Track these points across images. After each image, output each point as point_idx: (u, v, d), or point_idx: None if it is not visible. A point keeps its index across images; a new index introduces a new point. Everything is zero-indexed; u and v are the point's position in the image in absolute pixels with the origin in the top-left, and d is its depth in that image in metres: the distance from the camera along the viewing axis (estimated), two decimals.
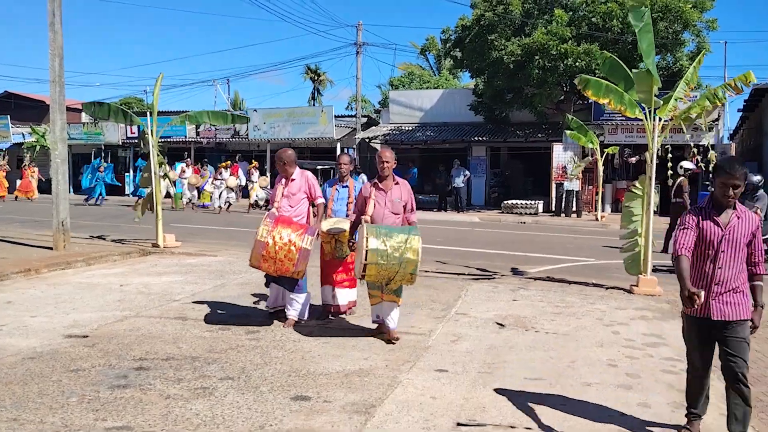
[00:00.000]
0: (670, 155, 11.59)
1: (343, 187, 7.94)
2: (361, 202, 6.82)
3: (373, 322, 6.89)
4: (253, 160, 27.54)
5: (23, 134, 35.11)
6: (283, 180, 7.32)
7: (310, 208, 7.54)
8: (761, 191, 10.46)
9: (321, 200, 7.50)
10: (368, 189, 6.78)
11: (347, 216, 7.63)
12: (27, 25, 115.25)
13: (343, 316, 7.70)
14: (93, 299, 8.45)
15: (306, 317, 7.29)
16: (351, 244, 6.88)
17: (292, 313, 7.21)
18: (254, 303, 8.43)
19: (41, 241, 13.32)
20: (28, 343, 6.36)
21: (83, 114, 38.48)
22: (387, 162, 6.76)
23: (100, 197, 28.79)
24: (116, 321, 7.31)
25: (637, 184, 10.07)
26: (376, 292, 6.62)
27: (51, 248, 12.34)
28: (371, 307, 6.85)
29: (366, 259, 5.99)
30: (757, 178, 10.57)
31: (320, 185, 7.73)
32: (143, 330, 6.92)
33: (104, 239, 14.70)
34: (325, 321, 7.51)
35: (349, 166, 7.99)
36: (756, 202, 10.02)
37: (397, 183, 6.86)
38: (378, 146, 30.62)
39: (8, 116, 36.63)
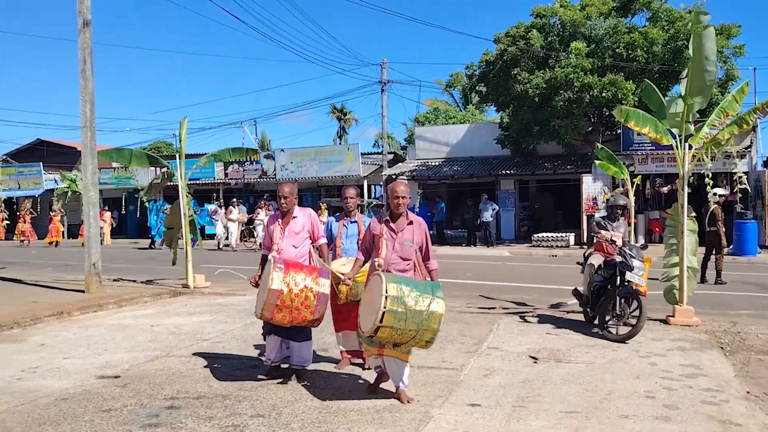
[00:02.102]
0: (709, 180, 11.41)
1: (352, 222, 7.15)
2: (370, 241, 5.96)
3: (375, 370, 6.13)
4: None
5: (55, 180, 35.83)
6: (280, 219, 6.57)
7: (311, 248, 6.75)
8: None
9: (323, 240, 6.83)
10: (378, 226, 5.88)
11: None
12: (58, 72, 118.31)
13: (361, 362, 7.00)
14: (124, 340, 8.50)
15: (310, 363, 6.68)
16: (349, 282, 6.14)
17: (300, 362, 6.51)
18: None
19: (74, 284, 13.50)
20: (61, 384, 6.40)
21: None
22: (402, 197, 5.82)
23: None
24: (147, 361, 7.33)
25: (670, 213, 9.96)
26: (373, 348, 5.79)
27: (83, 291, 12.48)
28: (368, 358, 6.12)
29: (381, 321, 5.21)
30: None
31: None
32: (174, 369, 6.93)
33: (135, 281, 14.83)
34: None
35: (356, 199, 7.13)
36: None
37: (410, 222, 5.91)
38: (405, 182, 30.67)
39: (41, 163, 37.44)
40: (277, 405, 5.66)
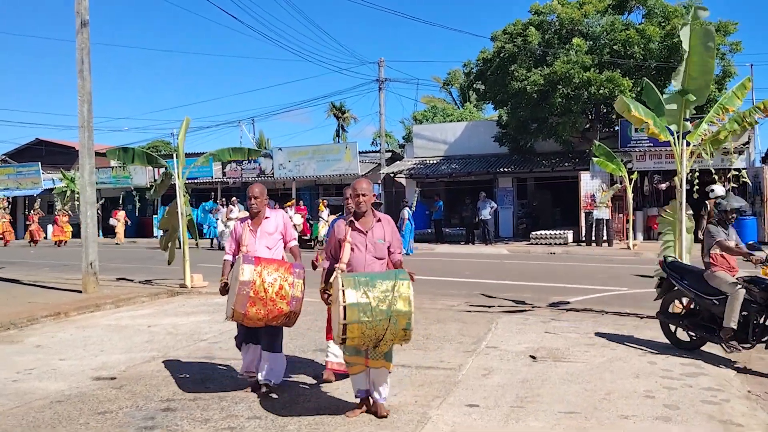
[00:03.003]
0: (697, 181, 11.43)
1: None
2: (334, 246, 5.50)
3: (356, 396, 5.46)
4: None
5: (53, 180, 35.76)
6: (250, 220, 6.21)
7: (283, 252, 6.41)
8: None
9: (295, 242, 6.46)
10: (343, 229, 5.44)
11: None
12: (57, 72, 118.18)
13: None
14: (121, 341, 8.45)
15: (280, 382, 6.18)
16: (326, 297, 5.48)
17: (271, 377, 6.05)
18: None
19: (71, 284, 13.44)
20: (57, 386, 6.36)
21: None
22: (363, 195, 5.33)
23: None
24: (144, 362, 7.29)
25: (668, 210, 9.91)
26: (358, 358, 5.28)
27: (80, 291, 12.43)
28: (351, 377, 5.47)
29: (345, 318, 4.80)
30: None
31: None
32: (171, 370, 6.89)
33: (132, 281, 14.77)
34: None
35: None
36: None
37: (379, 220, 5.51)
38: (403, 181, 30.64)
39: (39, 163, 37.36)
40: (275, 406, 5.62)
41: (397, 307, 4.90)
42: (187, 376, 6.66)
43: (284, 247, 6.41)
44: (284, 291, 5.63)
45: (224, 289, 6.03)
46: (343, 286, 4.89)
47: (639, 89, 22.90)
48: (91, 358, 7.53)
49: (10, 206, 34.83)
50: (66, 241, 31.23)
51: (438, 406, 5.61)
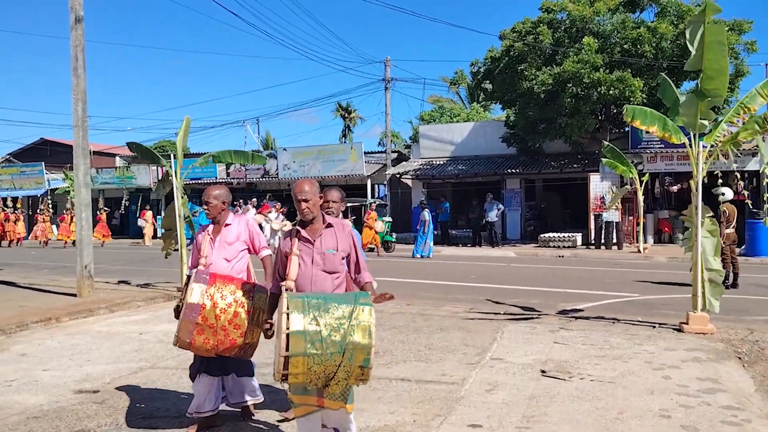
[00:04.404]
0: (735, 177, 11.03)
1: None
2: (281, 262, 4.53)
3: None
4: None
5: (48, 181, 35.60)
6: (211, 227, 5.42)
7: (250, 264, 5.59)
8: None
9: (267, 251, 5.58)
10: (288, 241, 4.49)
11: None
12: (61, 71, 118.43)
13: None
14: (110, 349, 8.10)
15: (262, 398, 5.53)
16: (269, 327, 4.51)
17: (244, 397, 5.38)
18: None
19: (67, 287, 13.10)
20: (36, 399, 6.02)
21: (117, 158, 39.00)
22: (305, 199, 4.39)
23: None
24: (131, 373, 6.93)
25: (686, 214, 9.52)
26: (306, 397, 4.17)
27: (76, 295, 12.09)
28: (297, 421, 4.42)
29: (288, 349, 3.81)
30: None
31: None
32: (158, 383, 6.53)
33: (130, 284, 14.43)
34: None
35: (339, 204, 5.36)
36: None
37: (329, 226, 4.51)
38: (410, 182, 30.26)
39: (42, 163, 37.19)
40: (264, 425, 5.24)
41: (353, 338, 3.91)
42: (174, 390, 6.29)
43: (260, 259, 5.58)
44: (239, 319, 4.77)
45: (177, 311, 5.01)
46: (288, 309, 3.90)
47: (649, 89, 22.53)
48: (75, 368, 7.18)
49: (14, 207, 34.53)
50: (74, 242, 30.91)
51: (438, 426, 5.22)
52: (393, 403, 5.76)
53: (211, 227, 5.42)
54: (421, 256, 21.52)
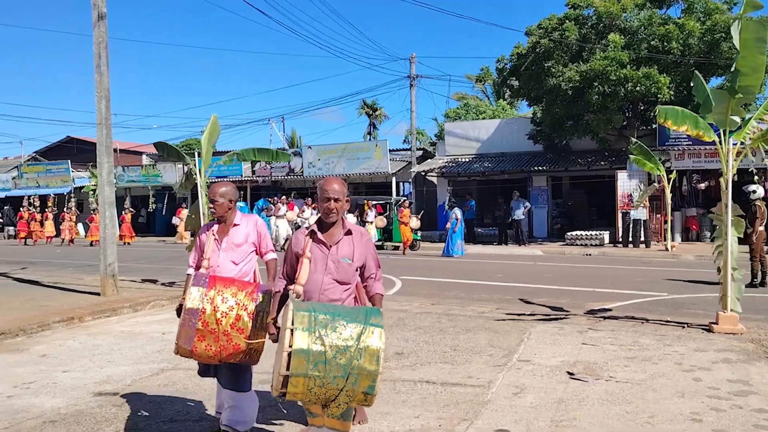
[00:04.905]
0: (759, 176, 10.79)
1: None
2: (290, 262, 4.28)
3: None
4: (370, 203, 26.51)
5: (86, 178, 35.87)
6: (215, 227, 5.07)
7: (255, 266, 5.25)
8: None
9: (273, 255, 5.20)
10: (302, 240, 4.21)
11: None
12: (86, 69, 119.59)
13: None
14: (132, 350, 8.06)
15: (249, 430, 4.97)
16: (274, 332, 4.32)
17: (229, 422, 4.85)
18: None
19: (91, 286, 13.14)
20: (54, 403, 5.95)
21: (143, 156, 39.26)
22: (335, 198, 4.13)
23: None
24: (152, 375, 6.87)
25: (715, 212, 9.30)
26: (316, 408, 3.97)
27: (99, 294, 12.10)
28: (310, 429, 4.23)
29: (288, 368, 3.56)
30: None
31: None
32: (179, 385, 6.46)
33: (155, 283, 14.45)
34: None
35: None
36: None
37: (348, 233, 4.24)
38: (435, 179, 30.10)
39: (69, 161, 37.50)
40: (286, 428, 5.15)
41: (359, 363, 3.61)
42: (196, 392, 6.22)
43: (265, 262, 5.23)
44: (242, 323, 4.44)
45: (180, 312, 4.67)
46: (293, 323, 3.61)
47: (677, 86, 22.17)
48: (96, 370, 7.13)
49: (40, 205, 34.86)
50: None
51: (464, 430, 5.10)
52: (418, 407, 5.65)
53: (215, 227, 5.06)
54: (454, 255, 21.26)
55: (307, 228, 4.27)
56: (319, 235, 4.16)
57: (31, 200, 34.35)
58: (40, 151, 44.47)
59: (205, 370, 4.96)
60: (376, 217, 24.67)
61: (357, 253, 4.19)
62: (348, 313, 3.78)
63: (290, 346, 3.55)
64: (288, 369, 3.54)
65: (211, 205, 5.00)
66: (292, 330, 3.58)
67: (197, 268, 4.98)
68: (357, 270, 4.23)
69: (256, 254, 5.18)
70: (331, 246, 4.15)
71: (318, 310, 3.73)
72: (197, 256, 5.08)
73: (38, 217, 32.74)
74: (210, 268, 4.88)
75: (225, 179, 31.54)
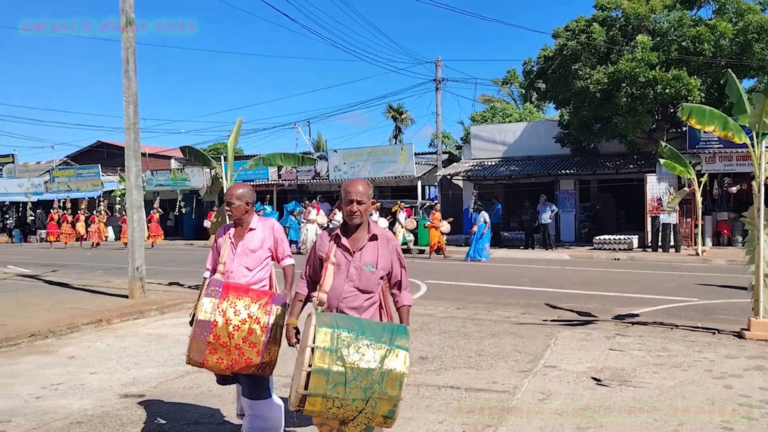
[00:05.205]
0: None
1: None
2: (312, 265, 4.14)
3: None
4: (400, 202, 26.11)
5: (116, 182, 36.31)
6: (232, 230, 4.89)
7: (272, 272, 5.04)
8: None
9: (290, 261, 4.99)
10: (326, 244, 4.06)
11: None
12: (116, 74, 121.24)
13: None
14: (158, 352, 8.11)
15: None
16: (297, 338, 4.12)
17: (260, 428, 4.60)
18: None
19: (119, 289, 13.27)
20: (81, 404, 6.01)
21: (172, 161, 39.64)
22: (359, 201, 3.95)
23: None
24: (177, 377, 6.90)
25: (746, 216, 9.13)
26: (332, 421, 3.71)
27: (127, 296, 12.21)
28: None
29: (307, 388, 3.42)
30: None
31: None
32: (204, 387, 6.48)
33: (182, 285, 14.55)
34: None
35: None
36: None
37: (374, 237, 4.04)
38: (460, 183, 29.98)
39: (99, 165, 38.00)
40: None
41: (381, 387, 3.46)
42: (221, 394, 6.22)
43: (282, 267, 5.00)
44: (254, 337, 4.25)
45: (192, 322, 4.46)
46: (314, 340, 3.45)
47: (707, 87, 21.84)
48: (123, 372, 7.19)
49: (70, 208, 35.28)
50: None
51: None
52: (442, 412, 5.60)
53: (232, 230, 4.88)
54: (482, 260, 21.05)
55: (331, 231, 4.11)
56: (344, 239, 4.00)
57: (62, 203, 34.80)
58: (71, 155, 45.05)
59: (223, 379, 4.75)
60: (406, 219, 24.50)
61: (381, 260, 4.00)
62: (373, 331, 3.61)
63: (310, 366, 3.41)
64: (306, 388, 3.41)
65: (228, 208, 4.82)
66: (313, 347, 3.44)
67: (213, 271, 4.86)
68: (381, 278, 4.04)
69: (273, 260, 5.00)
70: (354, 252, 3.97)
71: (341, 326, 3.56)
72: (214, 258, 4.92)
73: (69, 219, 33.11)
74: (224, 273, 4.75)
75: (251, 183, 31.72)
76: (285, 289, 4.79)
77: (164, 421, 5.49)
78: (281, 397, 4.80)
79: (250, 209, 4.86)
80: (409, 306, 4.13)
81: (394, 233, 23.69)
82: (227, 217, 4.90)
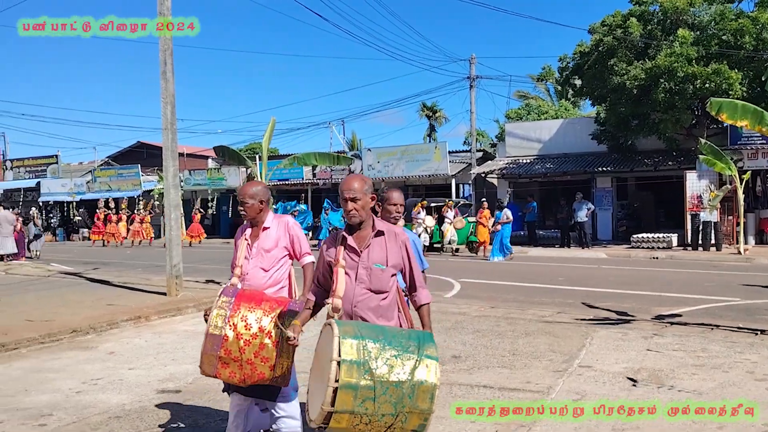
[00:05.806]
0: None
1: None
2: (322, 271, 3.89)
3: None
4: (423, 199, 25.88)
5: (155, 181, 36.88)
6: (249, 230, 4.72)
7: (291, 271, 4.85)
8: None
9: (310, 258, 4.72)
10: (332, 248, 3.84)
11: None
12: (155, 76, 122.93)
13: None
14: (194, 349, 8.16)
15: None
16: (292, 338, 3.83)
17: (279, 425, 4.50)
18: None
19: (157, 286, 13.45)
20: (119, 399, 6.12)
21: (209, 160, 40.10)
22: (353, 198, 3.71)
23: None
24: None
25: None
26: None
27: (165, 294, 12.39)
28: None
29: (333, 404, 3.20)
30: None
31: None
32: None
33: (218, 283, 14.67)
34: None
35: (399, 207, 4.94)
36: None
37: (379, 233, 3.80)
38: (495, 181, 29.79)
39: (139, 165, 38.61)
40: None
41: (411, 401, 3.27)
42: None
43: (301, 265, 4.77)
44: (266, 351, 4.06)
45: (206, 317, 4.33)
46: (339, 353, 3.23)
47: (749, 81, 21.39)
48: (160, 367, 7.31)
49: (114, 207, 35.81)
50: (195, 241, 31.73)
51: None
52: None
53: (249, 230, 4.71)
54: (495, 259, 20.65)
55: (336, 234, 3.90)
56: (350, 239, 3.76)
57: (107, 202, 35.44)
58: (112, 156, 45.84)
59: (234, 389, 4.55)
60: (455, 217, 24.18)
61: (391, 257, 3.75)
62: (399, 340, 3.41)
63: (337, 381, 3.19)
64: (333, 405, 3.19)
65: (241, 208, 4.66)
66: (339, 360, 3.21)
67: (234, 267, 4.69)
68: (393, 276, 3.80)
69: (291, 258, 4.79)
70: (361, 251, 3.74)
71: (366, 336, 3.35)
72: (235, 256, 4.76)
73: (114, 218, 33.65)
74: (241, 276, 4.60)
75: (286, 182, 31.96)
76: (303, 290, 4.58)
77: (199, 417, 5.56)
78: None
79: (264, 208, 4.70)
80: (429, 304, 3.91)
81: (443, 233, 23.57)
82: (241, 216, 4.74)
